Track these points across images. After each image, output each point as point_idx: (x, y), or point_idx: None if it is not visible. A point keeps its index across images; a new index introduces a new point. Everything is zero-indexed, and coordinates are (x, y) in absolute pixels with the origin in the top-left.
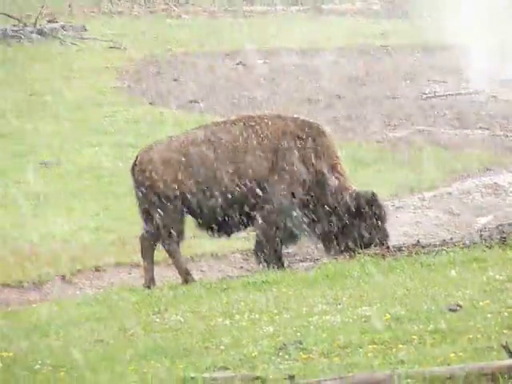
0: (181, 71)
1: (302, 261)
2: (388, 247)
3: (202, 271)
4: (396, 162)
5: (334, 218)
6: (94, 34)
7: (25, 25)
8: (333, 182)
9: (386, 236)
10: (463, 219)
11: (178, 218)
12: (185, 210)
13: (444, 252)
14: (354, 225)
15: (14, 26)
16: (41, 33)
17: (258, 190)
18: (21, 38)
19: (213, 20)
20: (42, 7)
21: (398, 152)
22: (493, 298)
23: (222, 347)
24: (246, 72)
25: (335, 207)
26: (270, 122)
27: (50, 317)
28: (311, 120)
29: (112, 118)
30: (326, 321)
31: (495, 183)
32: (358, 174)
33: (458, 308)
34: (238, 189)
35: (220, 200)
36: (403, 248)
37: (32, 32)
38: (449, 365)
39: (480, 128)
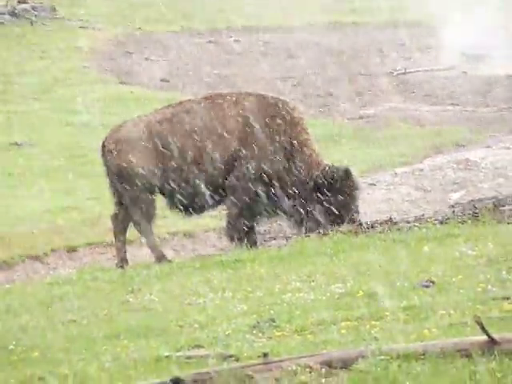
0: (152, 50)
1: (274, 238)
2: (361, 224)
3: (174, 250)
4: (368, 139)
5: (305, 194)
6: (64, 14)
7: None
8: (303, 157)
9: (356, 212)
10: (435, 195)
11: (148, 198)
12: (155, 189)
13: (416, 228)
14: (326, 201)
15: None
16: (12, 14)
17: (226, 168)
18: None
19: None
20: None
21: (370, 129)
22: (465, 274)
23: (196, 326)
24: (217, 50)
25: (306, 183)
26: (237, 100)
27: (22, 297)
28: (280, 97)
29: (83, 97)
30: (299, 298)
31: (467, 159)
32: (331, 150)
33: (431, 284)
34: (206, 167)
35: (189, 179)
36: (376, 225)
37: (3, 13)
38: (422, 341)
39: (451, 104)
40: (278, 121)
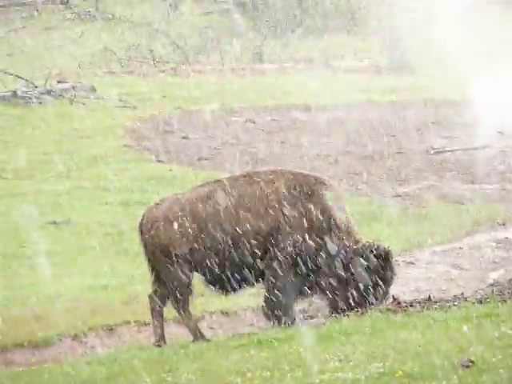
0: (190, 129)
1: (312, 317)
2: (399, 303)
3: (212, 328)
4: (405, 217)
5: (342, 273)
6: (103, 93)
7: (35, 86)
8: (341, 235)
9: (387, 295)
10: (474, 274)
11: (186, 276)
12: (191, 267)
13: (456, 307)
14: (363, 280)
15: (24, 87)
16: (50, 93)
17: (265, 246)
18: (30, 98)
19: (221, 78)
20: (52, 68)
21: (406, 207)
22: (505, 354)
23: None
24: (255, 129)
25: (344, 261)
26: (274, 178)
27: (61, 376)
28: (317, 175)
29: (121, 175)
30: (337, 378)
31: (506, 238)
32: (367, 228)
33: (471, 364)
34: (244, 246)
35: (227, 257)
36: (415, 303)
37: (42, 93)
38: None
39: (489, 183)
40: (316, 198)
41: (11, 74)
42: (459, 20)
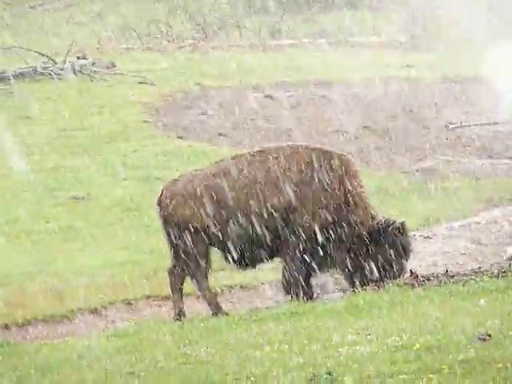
0: (209, 105)
1: (333, 291)
2: (417, 276)
3: (231, 303)
4: (423, 193)
5: (360, 247)
6: (123, 69)
7: (55, 62)
8: (358, 211)
9: (403, 270)
10: (491, 249)
11: (204, 251)
12: (210, 242)
13: (473, 281)
14: (380, 254)
15: (44, 63)
16: (71, 69)
17: (282, 221)
18: (50, 74)
19: (240, 54)
20: (72, 44)
21: (424, 182)
22: None
23: (253, 379)
24: (273, 104)
25: (361, 236)
26: (292, 153)
27: (81, 350)
28: (335, 150)
29: (141, 151)
30: (355, 351)
31: None
32: (385, 204)
33: (488, 337)
34: (262, 221)
35: (245, 232)
36: (432, 278)
37: (62, 69)
38: None
39: (507, 157)
40: (333, 174)
41: (31, 50)
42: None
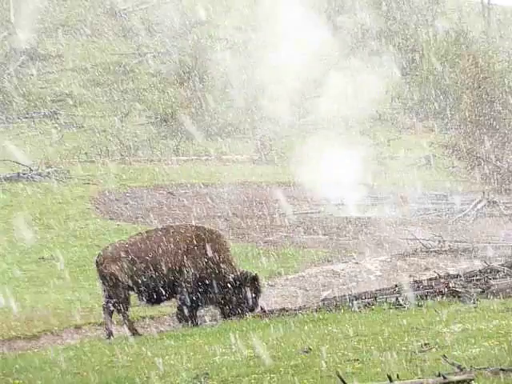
0: (130, 198)
1: (209, 320)
2: (265, 311)
3: (143, 328)
4: (269, 256)
5: (226, 291)
6: (75, 175)
7: (30, 169)
8: (225, 268)
9: (256, 306)
10: (312, 293)
11: (126, 294)
12: (129, 288)
13: (300, 314)
14: (241, 295)
15: (24, 170)
16: (40, 174)
17: (176, 274)
18: (27, 178)
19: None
20: (42, 159)
21: (270, 250)
22: (331, 344)
23: (157, 377)
24: (177, 199)
25: (228, 285)
26: (183, 230)
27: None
28: (212, 228)
29: (85, 228)
30: (224, 359)
31: (332, 270)
32: (244, 263)
33: (309, 350)
34: (163, 275)
35: (152, 283)
36: (274, 312)
37: (36, 174)
38: None
39: (322, 234)
40: (210, 244)
41: (15, 162)
42: None
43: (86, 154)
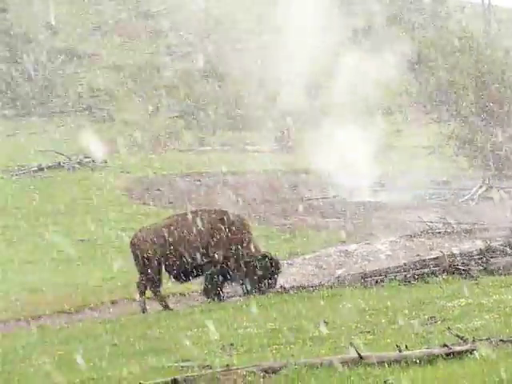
0: (160, 185)
1: (233, 296)
2: (284, 288)
3: (173, 303)
4: (288, 237)
5: (249, 271)
6: (111, 164)
7: (70, 159)
8: (248, 249)
9: (276, 283)
10: (328, 271)
11: (157, 272)
12: (161, 267)
13: (317, 290)
14: (262, 273)
15: (64, 160)
16: (79, 163)
17: (204, 255)
18: (68, 168)
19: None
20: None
21: (288, 232)
22: (348, 318)
23: (186, 347)
24: (204, 186)
25: (250, 264)
26: (210, 214)
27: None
28: (237, 213)
29: (121, 212)
30: (248, 331)
31: (346, 250)
32: (266, 245)
33: (327, 323)
34: (192, 255)
35: (181, 262)
36: (293, 288)
37: (76, 163)
38: None
39: (334, 218)
40: (235, 227)
41: (58, 153)
42: None
43: (120, 145)
